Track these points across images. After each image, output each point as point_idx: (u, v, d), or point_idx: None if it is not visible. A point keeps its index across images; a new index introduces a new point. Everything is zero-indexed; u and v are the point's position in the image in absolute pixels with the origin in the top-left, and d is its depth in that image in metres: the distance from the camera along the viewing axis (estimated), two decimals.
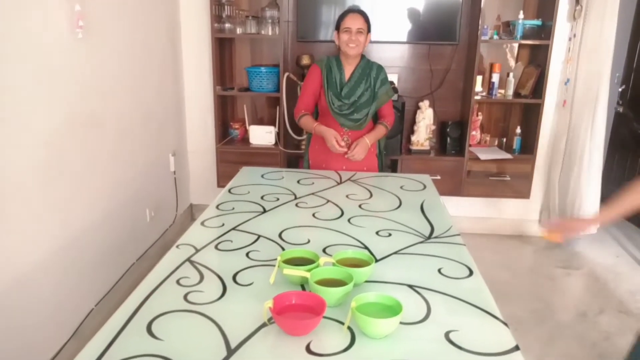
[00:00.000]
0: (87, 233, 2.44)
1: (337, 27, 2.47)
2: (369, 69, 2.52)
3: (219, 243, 1.60)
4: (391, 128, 2.63)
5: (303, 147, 3.60)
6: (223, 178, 3.56)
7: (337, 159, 2.52)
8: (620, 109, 4.30)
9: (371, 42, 3.47)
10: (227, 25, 3.43)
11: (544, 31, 3.36)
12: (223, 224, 1.75)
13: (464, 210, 3.82)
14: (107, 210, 2.63)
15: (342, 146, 2.41)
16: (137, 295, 1.27)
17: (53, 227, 2.17)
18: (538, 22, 3.39)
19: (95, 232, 2.51)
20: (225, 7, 3.41)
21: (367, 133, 2.55)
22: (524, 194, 3.63)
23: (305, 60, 3.45)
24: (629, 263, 3.47)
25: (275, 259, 1.38)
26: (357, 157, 2.47)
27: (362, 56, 2.54)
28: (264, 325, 1.14)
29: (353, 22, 2.39)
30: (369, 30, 2.46)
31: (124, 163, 2.81)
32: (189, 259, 1.47)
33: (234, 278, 1.36)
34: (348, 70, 2.52)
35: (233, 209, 1.90)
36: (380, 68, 2.55)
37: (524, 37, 3.38)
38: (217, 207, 1.93)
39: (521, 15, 3.34)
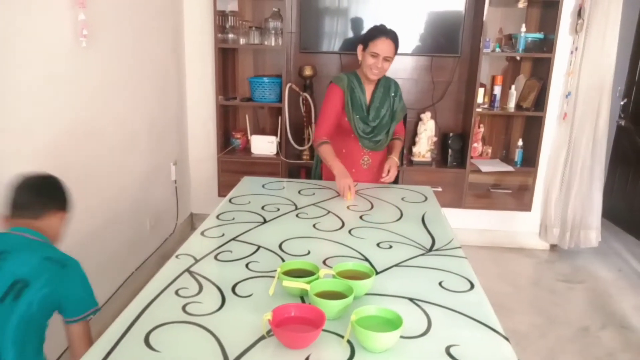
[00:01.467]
0: (87, 241, 2.43)
1: (364, 44, 2.31)
2: (389, 87, 2.45)
3: (219, 253, 1.59)
4: (404, 139, 2.58)
5: (305, 157, 3.60)
6: (224, 187, 3.56)
7: (357, 176, 2.40)
8: (622, 123, 4.30)
9: None
10: (231, 35, 3.45)
11: (546, 44, 3.37)
12: (223, 234, 1.74)
13: (465, 223, 3.80)
14: (107, 219, 2.62)
15: (350, 198, 2.17)
16: (135, 306, 1.26)
17: None
18: (540, 35, 3.41)
19: (95, 241, 2.50)
20: (229, 17, 3.43)
21: (385, 152, 2.52)
22: (526, 206, 3.61)
23: (308, 71, 3.46)
24: (631, 278, 3.45)
25: (275, 270, 1.37)
26: (391, 179, 2.39)
27: None
28: (262, 337, 1.13)
29: (383, 49, 2.25)
30: (395, 54, 2.32)
31: (125, 171, 2.81)
32: (188, 270, 1.47)
33: (233, 289, 1.35)
34: (369, 89, 2.41)
35: (233, 219, 1.90)
36: (396, 85, 2.48)
37: (526, 50, 3.39)
38: (217, 217, 1.92)
39: (523, 29, 3.35)
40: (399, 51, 3.47)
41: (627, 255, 3.80)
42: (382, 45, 2.26)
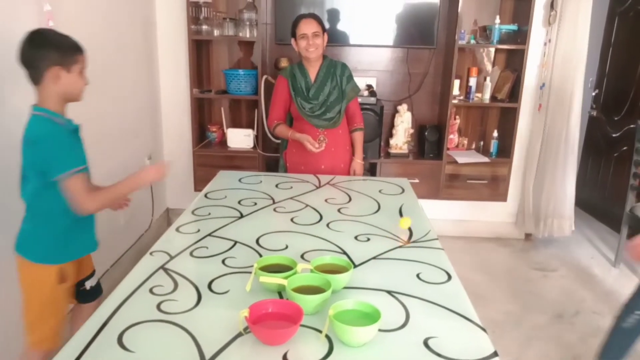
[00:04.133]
0: None
1: (293, 35, 2.51)
2: (333, 68, 2.59)
3: (194, 250, 1.56)
4: (364, 126, 2.73)
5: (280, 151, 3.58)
6: (200, 182, 3.51)
7: (316, 159, 2.57)
8: (594, 113, 4.39)
9: (350, 45, 3.50)
10: (204, 27, 3.39)
11: (520, 36, 3.40)
12: (199, 230, 1.71)
13: (442, 213, 3.84)
14: None
15: (318, 146, 2.49)
16: (108, 305, 1.23)
17: None
18: (514, 27, 3.44)
19: None
20: (202, 8, 3.36)
21: (342, 132, 2.64)
22: (501, 196, 3.66)
23: (284, 63, 3.43)
24: (603, 264, 3.53)
25: (252, 266, 1.35)
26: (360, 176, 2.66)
27: (324, 56, 2.60)
28: (239, 335, 1.11)
29: (307, 27, 2.45)
30: (324, 31, 2.52)
31: (97, 167, 2.73)
32: (162, 267, 1.44)
33: (209, 286, 1.33)
34: (312, 72, 2.58)
35: (209, 214, 1.87)
36: (344, 66, 2.63)
37: (500, 41, 3.42)
38: (192, 212, 1.89)
39: (497, 20, 3.38)
40: (375, 43, 3.52)
41: (599, 243, 3.90)
42: (304, 26, 2.46)
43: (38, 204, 1.68)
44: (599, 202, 4.34)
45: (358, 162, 2.69)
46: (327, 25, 3.42)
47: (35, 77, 1.60)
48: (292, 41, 2.54)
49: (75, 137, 1.74)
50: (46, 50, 1.58)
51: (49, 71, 1.58)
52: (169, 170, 1.85)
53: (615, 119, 4.12)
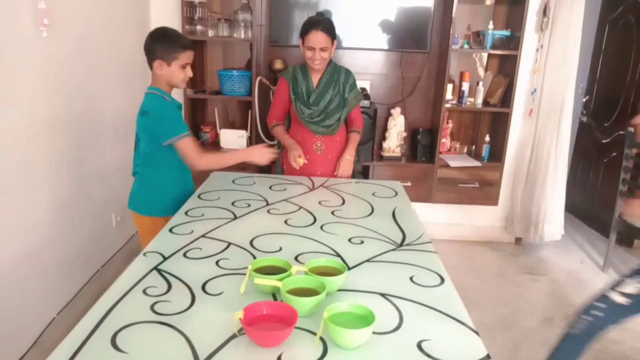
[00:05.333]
0: (51, 239, 2.35)
1: (302, 35, 2.40)
2: (337, 74, 2.53)
3: (188, 251, 1.56)
4: (363, 131, 2.67)
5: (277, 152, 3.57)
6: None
7: (312, 164, 2.53)
8: (584, 119, 4.44)
9: (344, 48, 3.51)
10: (199, 27, 3.38)
11: (513, 42, 3.43)
12: (192, 231, 1.71)
13: (434, 217, 3.86)
14: (72, 215, 2.54)
15: (298, 163, 2.44)
16: (102, 305, 1.22)
17: (15, 232, 2.09)
18: (507, 32, 3.47)
19: (59, 238, 2.43)
20: (197, 9, 3.36)
21: (340, 139, 2.59)
22: (492, 200, 3.69)
23: (278, 65, 3.43)
24: (592, 269, 3.57)
25: (246, 268, 1.35)
26: (345, 174, 2.54)
27: (330, 61, 2.52)
28: (234, 336, 1.11)
29: (316, 41, 2.35)
30: (333, 40, 2.42)
31: (90, 166, 2.73)
32: (156, 268, 1.43)
33: (203, 287, 1.33)
34: (315, 77, 2.52)
35: (203, 215, 1.86)
36: (348, 73, 2.56)
37: (493, 47, 3.45)
38: (186, 213, 1.88)
39: (491, 26, 3.41)
40: (369, 46, 3.53)
41: (588, 248, 3.93)
42: (314, 38, 2.35)
43: (147, 165, 2.06)
44: (588, 207, 4.38)
45: (346, 158, 2.54)
46: None
47: (149, 64, 2.00)
48: (300, 42, 2.42)
49: (179, 111, 2.09)
50: (154, 45, 1.96)
51: (155, 62, 1.97)
52: (274, 155, 2.19)
53: (605, 125, 4.17)
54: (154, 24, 3.52)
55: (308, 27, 2.37)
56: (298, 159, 2.42)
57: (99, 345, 1.07)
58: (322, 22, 2.38)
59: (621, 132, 3.87)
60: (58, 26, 2.30)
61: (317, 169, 2.54)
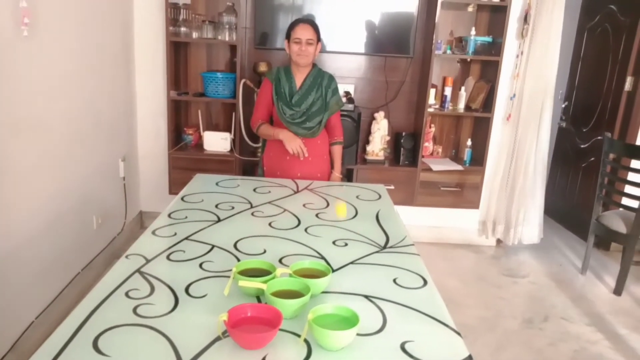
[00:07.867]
0: (30, 240, 2.31)
1: (288, 37, 2.49)
2: (320, 78, 2.57)
3: (171, 253, 1.55)
4: (344, 138, 2.73)
5: (259, 154, 3.56)
6: (175, 185, 3.47)
7: (292, 166, 2.56)
8: (563, 124, 4.52)
9: (328, 52, 3.53)
10: (183, 29, 3.37)
11: (494, 48, 3.49)
12: (175, 234, 1.70)
13: (416, 220, 3.89)
14: (52, 217, 2.50)
15: (304, 153, 2.50)
16: (83, 308, 1.21)
17: None
18: (489, 38, 3.52)
19: (38, 240, 2.38)
20: (182, 10, 3.34)
21: (321, 142, 2.62)
22: (474, 204, 3.74)
23: (262, 67, 3.43)
24: (571, 271, 3.63)
25: (230, 270, 1.35)
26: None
27: (314, 65, 2.58)
28: (218, 339, 1.11)
29: (303, 33, 2.43)
30: (318, 40, 2.50)
31: (70, 168, 2.69)
32: (138, 270, 1.42)
33: (186, 290, 1.32)
34: (299, 78, 2.56)
35: (186, 217, 1.85)
36: (331, 78, 2.61)
37: (475, 52, 3.50)
38: (169, 215, 1.87)
39: (473, 32, 3.46)
40: (353, 50, 3.56)
41: (567, 251, 4.01)
42: (301, 31, 2.44)
43: None
44: (567, 210, 4.47)
45: (337, 176, 2.68)
46: None
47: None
48: (285, 42, 2.51)
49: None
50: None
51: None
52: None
53: (584, 130, 4.26)
54: (138, 25, 3.51)
55: (296, 22, 2.49)
56: (301, 152, 2.48)
57: (81, 348, 1.06)
58: (310, 19, 2.54)
59: (599, 138, 3.95)
60: (39, 26, 2.27)
61: (297, 170, 2.57)
